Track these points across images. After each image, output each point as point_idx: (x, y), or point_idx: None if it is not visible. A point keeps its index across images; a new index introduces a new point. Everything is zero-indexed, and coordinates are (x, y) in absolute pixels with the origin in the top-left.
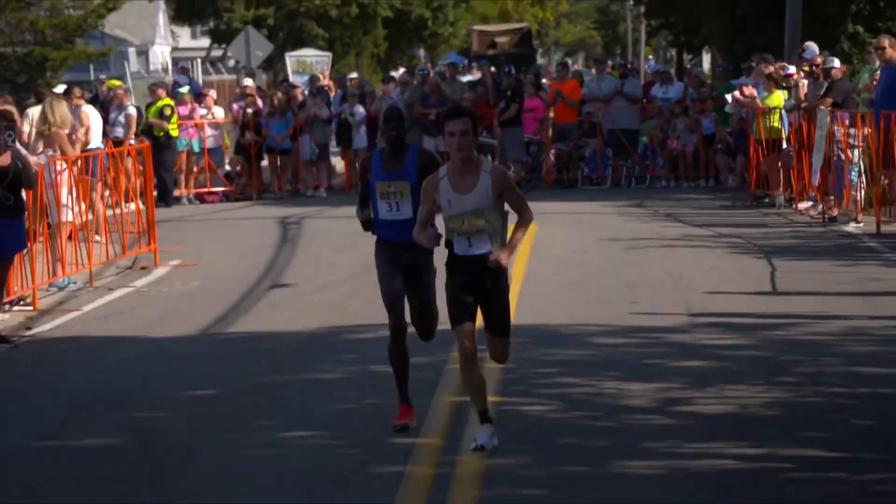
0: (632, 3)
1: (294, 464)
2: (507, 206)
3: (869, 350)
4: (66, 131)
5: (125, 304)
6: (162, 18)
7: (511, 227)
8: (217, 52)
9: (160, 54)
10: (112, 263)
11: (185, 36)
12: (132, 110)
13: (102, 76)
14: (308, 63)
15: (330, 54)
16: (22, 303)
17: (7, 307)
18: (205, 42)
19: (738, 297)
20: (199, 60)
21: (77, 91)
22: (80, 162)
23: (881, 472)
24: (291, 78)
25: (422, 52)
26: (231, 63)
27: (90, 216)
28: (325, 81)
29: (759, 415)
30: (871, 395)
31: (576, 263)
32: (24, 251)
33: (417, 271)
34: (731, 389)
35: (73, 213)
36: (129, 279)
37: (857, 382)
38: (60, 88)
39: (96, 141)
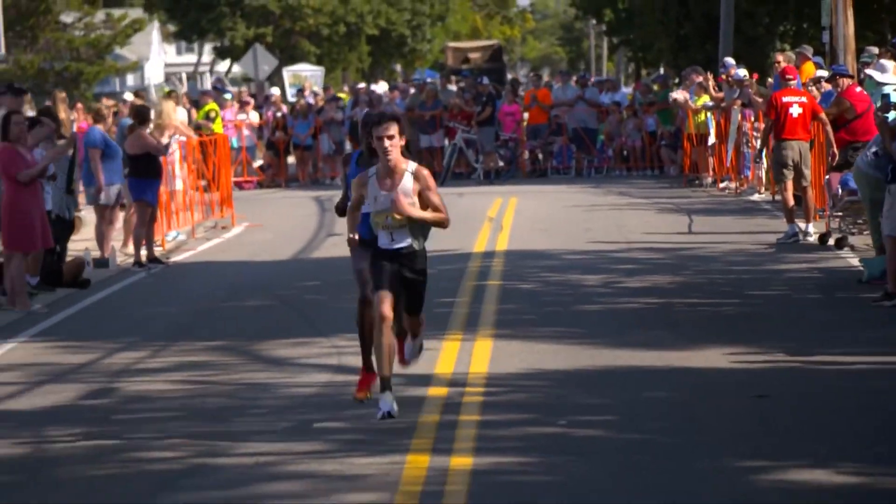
0: (594, 21)
1: None
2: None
3: (742, 259)
4: (174, 123)
5: (224, 246)
6: (156, 36)
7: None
8: (221, 67)
9: (153, 70)
10: (200, 224)
11: (170, 52)
12: (184, 114)
13: (133, 90)
14: (303, 76)
15: (322, 69)
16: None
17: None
18: (191, 58)
19: (662, 234)
20: (184, 74)
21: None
22: (187, 146)
23: (732, 302)
24: (288, 89)
25: (398, 68)
26: (226, 75)
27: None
28: (317, 95)
29: (662, 285)
30: (737, 280)
31: (547, 219)
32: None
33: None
34: (648, 278)
35: (183, 183)
36: (217, 234)
37: (728, 272)
38: (129, 96)
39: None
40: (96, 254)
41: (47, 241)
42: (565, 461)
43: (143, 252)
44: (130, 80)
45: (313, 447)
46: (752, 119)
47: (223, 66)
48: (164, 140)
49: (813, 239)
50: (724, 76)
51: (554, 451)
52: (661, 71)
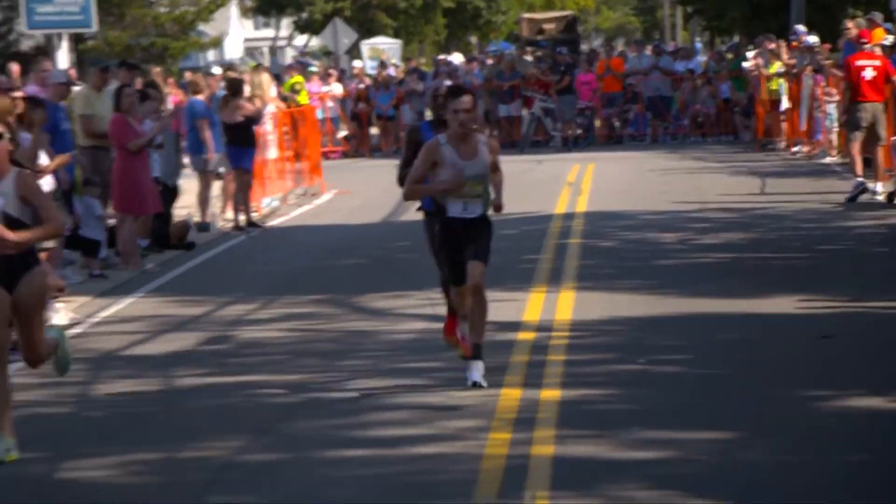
0: None
1: None
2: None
3: (811, 217)
4: (269, 94)
5: (315, 212)
6: (234, 11)
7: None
8: (298, 41)
9: (233, 45)
10: (291, 192)
11: (248, 27)
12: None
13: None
14: (380, 49)
15: (400, 41)
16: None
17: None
18: (268, 33)
19: (736, 196)
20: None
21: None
22: (277, 117)
23: (800, 256)
24: (366, 62)
25: (474, 40)
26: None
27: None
28: (397, 67)
29: (735, 241)
30: (806, 236)
31: (624, 183)
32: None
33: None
34: (721, 235)
35: (276, 152)
36: (308, 201)
37: (798, 229)
38: (217, 70)
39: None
40: (197, 219)
41: (156, 205)
42: (644, 393)
43: (242, 217)
44: (210, 55)
45: (415, 383)
46: (824, 84)
47: (300, 40)
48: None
49: (881, 198)
50: (794, 43)
51: (634, 385)
52: (735, 39)
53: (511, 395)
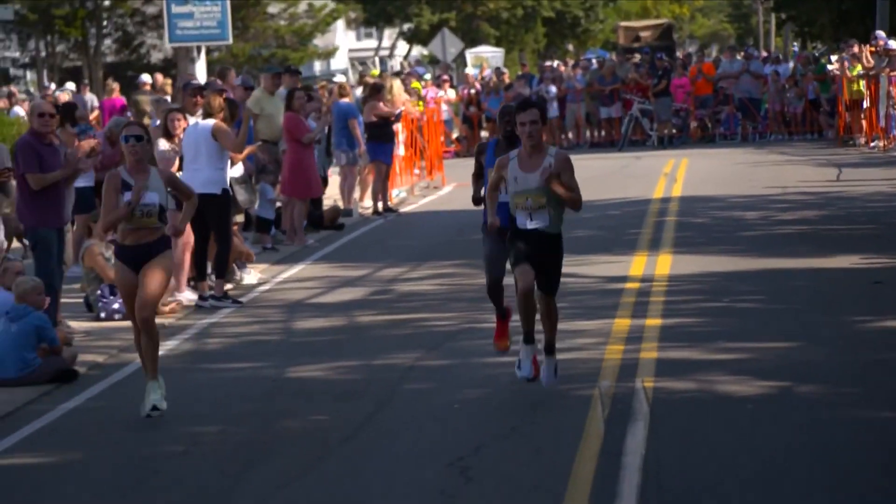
0: None
1: None
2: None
3: (880, 198)
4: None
5: (440, 201)
6: (340, 23)
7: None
8: (400, 51)
9: (338, 55)
10: (416, 185)
11: (350, 38)
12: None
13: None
14: (484, 57)
15: (503, 50)
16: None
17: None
18: (370, 43)
19: (815, 182)
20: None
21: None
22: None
23: (865, 227)
24: (470, 69)
25: (571, 47)
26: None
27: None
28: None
29: (809, 217)
30: (872, 213)
31: (715, 173)
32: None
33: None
34: (798, 213)
35: (404, 149)
36: (431, 192)
37: (866, 207)
38: (341, 78)
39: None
40: (340, 205)
41: (318, 190)
42: (728, 321)
43: (380, 204)
44: (317, 65)
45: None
46: None
47: (402, 49)
48: (395, 110)
49: None
50: (872, 48)
51: (720, 315)
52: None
53: (622, 324)
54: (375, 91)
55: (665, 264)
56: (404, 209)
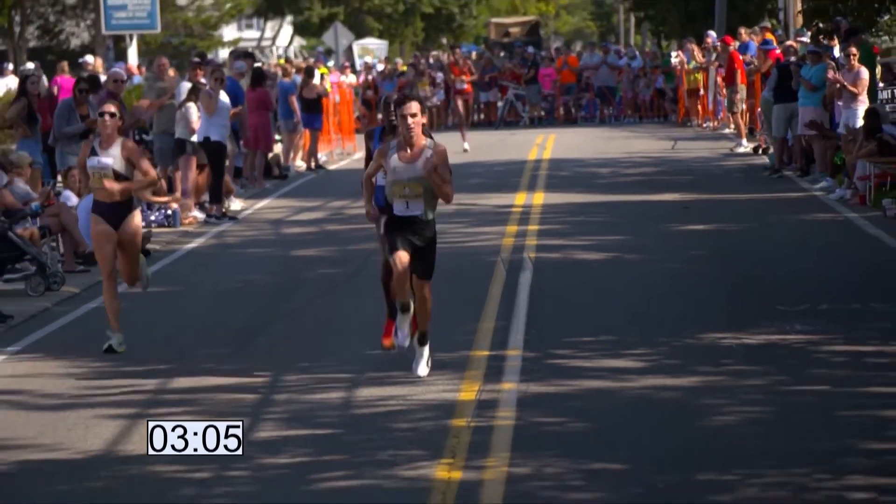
0: None
1: None
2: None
3: (701, 160)
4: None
5: (354, 163)
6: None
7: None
8: (281, 42)
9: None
10: (331, 151)
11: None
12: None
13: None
14: (370, 49)
15: (387, 42)
16: None
17: None
18: (253, 33)
19: (654, 150)
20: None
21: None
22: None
23: (686, 178)
24: (356, 60)
25: (446, 41)
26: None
27: None
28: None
29: (645, 172)
30: (691, 167)
31: (576, 145)
32: None
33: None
34: (638, 168)
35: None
36: (346, 157)
37: (690, 166)
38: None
39: None
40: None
41: (272, 146)
42: (584, 227)
43: (313, 162)
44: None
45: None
46: (723, 74)
47: (283, 40)
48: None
49: (745, 148)
50: (703, 46)
51: (579, 225)
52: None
53: (511, 229)
54: (308, 73)
55: (539, 198)
56: (329, 168)
